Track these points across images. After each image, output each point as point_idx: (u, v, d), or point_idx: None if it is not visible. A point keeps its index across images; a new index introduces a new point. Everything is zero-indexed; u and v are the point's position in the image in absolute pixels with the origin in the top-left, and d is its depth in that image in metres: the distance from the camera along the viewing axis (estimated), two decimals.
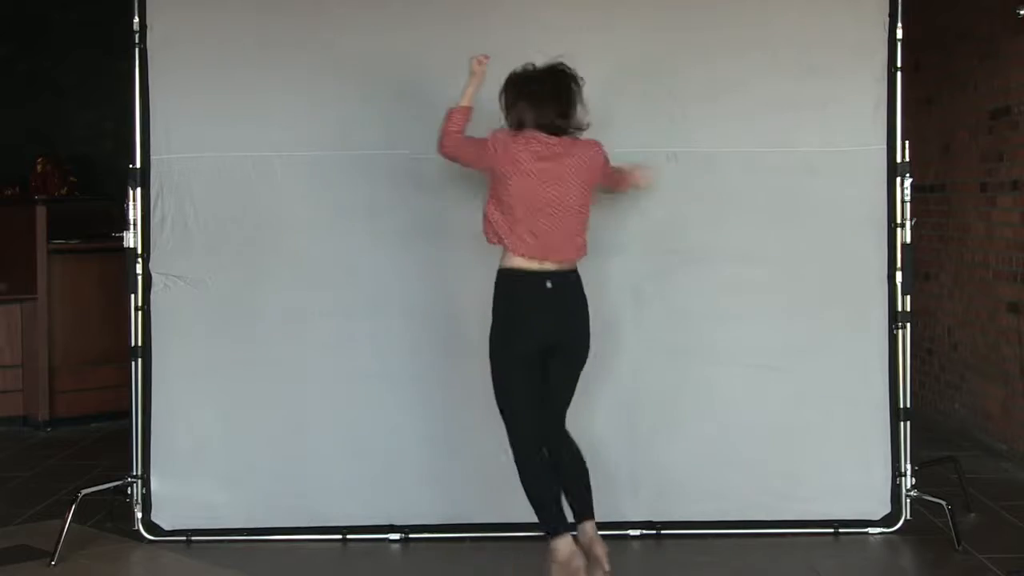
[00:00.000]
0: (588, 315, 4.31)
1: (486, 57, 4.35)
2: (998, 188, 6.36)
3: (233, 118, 5.02)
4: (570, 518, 4.27)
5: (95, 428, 7.20)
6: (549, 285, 4.20)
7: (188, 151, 5.00)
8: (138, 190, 4.99)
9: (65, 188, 8.61)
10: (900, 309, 4.97)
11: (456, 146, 4.34)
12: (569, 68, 4.28)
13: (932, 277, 7.29)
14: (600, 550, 4.16)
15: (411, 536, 4.99)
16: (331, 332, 5.01)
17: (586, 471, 4.32)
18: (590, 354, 4.35)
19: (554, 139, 4.21)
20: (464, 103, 4.35)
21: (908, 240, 4.94)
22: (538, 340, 4.21)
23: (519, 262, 4.22)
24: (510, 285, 4.25)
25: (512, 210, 4.20)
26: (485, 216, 4.28)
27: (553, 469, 4.26)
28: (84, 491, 4.96)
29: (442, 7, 5.03)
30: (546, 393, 4.29)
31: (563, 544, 4.14)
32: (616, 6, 5.02)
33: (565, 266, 4.26)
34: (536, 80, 4.25)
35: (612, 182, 4.48)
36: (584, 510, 4.25)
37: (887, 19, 4.94)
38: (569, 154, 4.22)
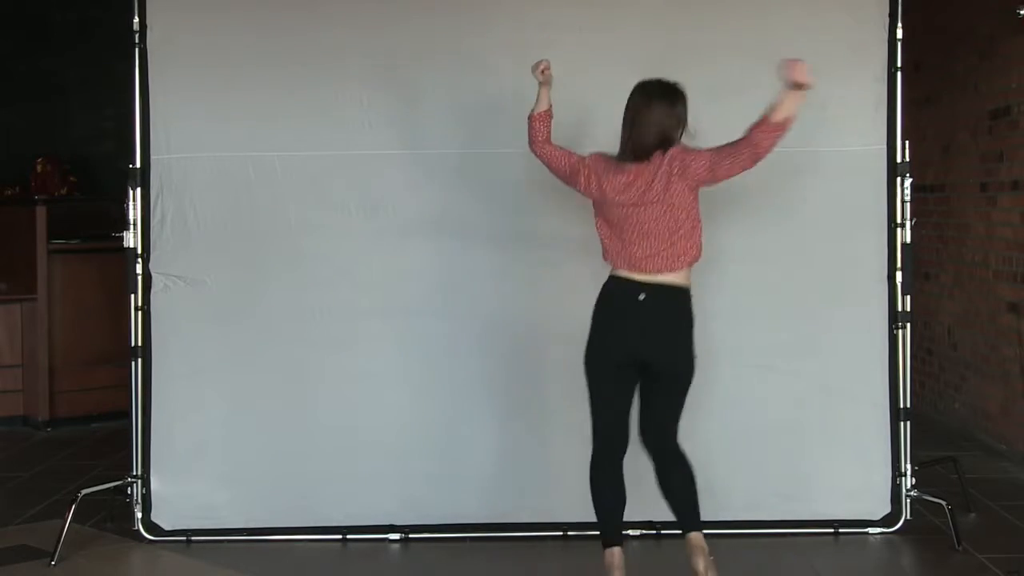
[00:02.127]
0: (687, 335, 4.16)
1: (546, 63, 4.30)
2: (998, 188, 6.36)
3: (233, 118, 5.02)
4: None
5: (95, 428, 7.20)
6: (642, 297, 4.11)
7: (188, 151, 5.00)
8: (138, 190, 4.99)
9: (65, 188, 8.61)
10: (900, 309, 4.97)
11: (545, 156, 4.36)
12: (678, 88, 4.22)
13: (932, 277, 7.29)
14: (700, 562, 4.09)
15: (411, 536, 4.99)
16: (331, 332, 5.01)
17: (694, 492, 4.21)
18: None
19: (636, 166, 4.13)
20: (539, 109, 4.32)
21: (908, 240, 4.94)
22: (625, 351, 4.13)
23: (619, 272, 4.18)
24: (605, 292, 4.20)
25: (611, 230, 4.20)
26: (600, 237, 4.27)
27: (618, 484, 4.25)
28: (84, 491, 4.96)
29: (442, 6, 5.03)
30: (647, 409, 4.25)
31: (609, 555, 4.17)
32: (616, 5, 5.02)
33: (666, 279, 4.13)
34: (642, 101, 4.19)
35: (723, 169, 4.15)
36: (687, 525, 4.18)
37: (887, 19, 4.94)
38: (651, 175, 4.12)
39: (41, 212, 7.35)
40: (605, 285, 4.21)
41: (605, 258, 4.25)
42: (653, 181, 4.11)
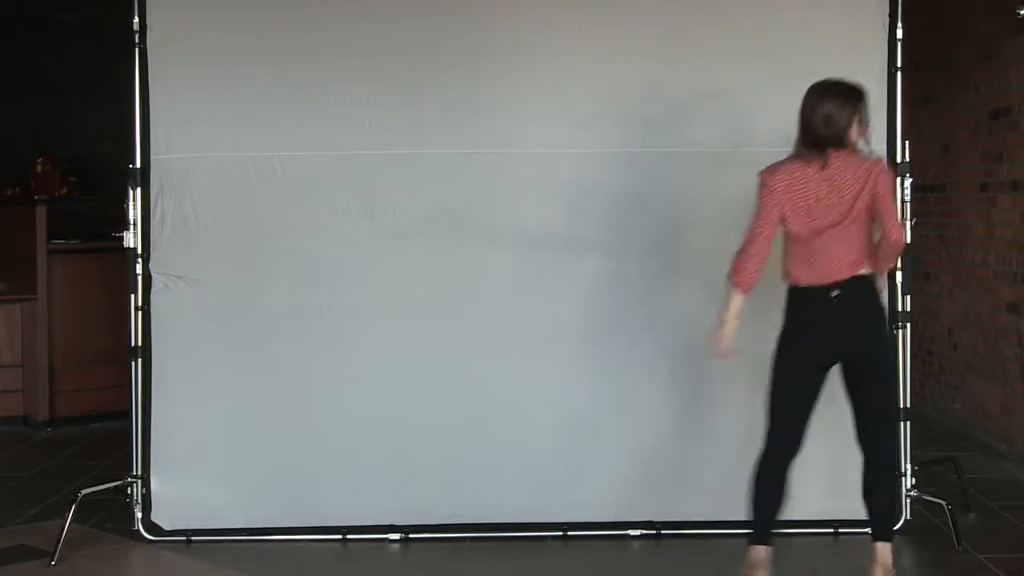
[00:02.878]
0: (884, 319, 4.26)
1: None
2: (998, 188, 6.36)
3: (233, 118, 5.01)
4: None
5: (95, 428, 7.19)
6: (835, 294, 4.12)
7: (188, 151, 5.00)
8: (138, 190, 4.98)
9: (65, 188, 8.61)
10: (900, 309, 4.97)
11: (761, 251, 4.20)
12: (853, 85, 4.19)
13: (932, 277, 7.29)
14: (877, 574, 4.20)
15: (411, 536, 4.99)
16: (331, 332, 5.01)
17: (893, 503, 4.33)
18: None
19: (815, 165, 4.11)
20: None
21: (908, 240, 4.94)
22: (825, 348, 4.16)
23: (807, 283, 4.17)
24: (796, 296, 4.19)
25: (793, 242, 4.17)
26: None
27: (781, 487, 4.30)
28: (84, 491, 4.96)
29: (442, 5, 5.03)
30: (862, 407, 4.28)
31: (754, 553, 4.28)
32: (617, 5, 5.02)
33: (854, 272, 4.15)
34: (821, 96, 4.17)
35: (878, 217, 4.14)
36: (877, 532, 4.27)
37: (887, 19, 4.94)
38: (835, 176, 4.10)
39: (41, 212, 7.34)
40: (793, 292, 4.20)
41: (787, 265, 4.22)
42: (862, 189, 4.08)
